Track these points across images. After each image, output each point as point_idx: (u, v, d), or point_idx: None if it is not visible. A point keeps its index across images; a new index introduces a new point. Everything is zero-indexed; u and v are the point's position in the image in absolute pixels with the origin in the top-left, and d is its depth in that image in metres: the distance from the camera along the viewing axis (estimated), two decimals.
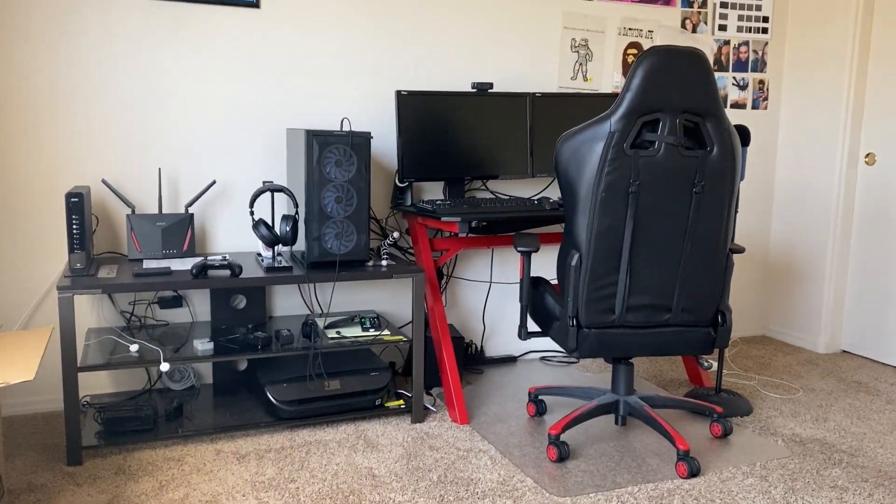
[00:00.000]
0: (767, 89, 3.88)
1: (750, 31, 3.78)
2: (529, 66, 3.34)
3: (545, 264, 3.52)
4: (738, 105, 3.81)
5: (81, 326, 2.79)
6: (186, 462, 2.36)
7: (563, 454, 2.41)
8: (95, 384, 2.84)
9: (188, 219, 2.76)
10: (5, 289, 2.70)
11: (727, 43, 3.74)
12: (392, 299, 3.24)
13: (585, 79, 3.46)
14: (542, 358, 3.56)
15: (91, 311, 2.80)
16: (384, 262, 2.75)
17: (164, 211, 2.84)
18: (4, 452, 2.40)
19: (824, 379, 3.33)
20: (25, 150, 2.67)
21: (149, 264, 2.61)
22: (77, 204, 2.38)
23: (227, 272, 2.51)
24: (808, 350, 3.79)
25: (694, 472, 2.32)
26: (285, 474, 2.29)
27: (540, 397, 2.83)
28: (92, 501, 2.10)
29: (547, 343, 3.60)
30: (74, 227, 2.38)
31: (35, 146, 2.68)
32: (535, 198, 3.05)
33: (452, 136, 3.01)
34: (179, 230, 2.75)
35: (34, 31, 2.62)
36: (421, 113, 2.95)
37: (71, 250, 2.40)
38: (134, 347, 2.49)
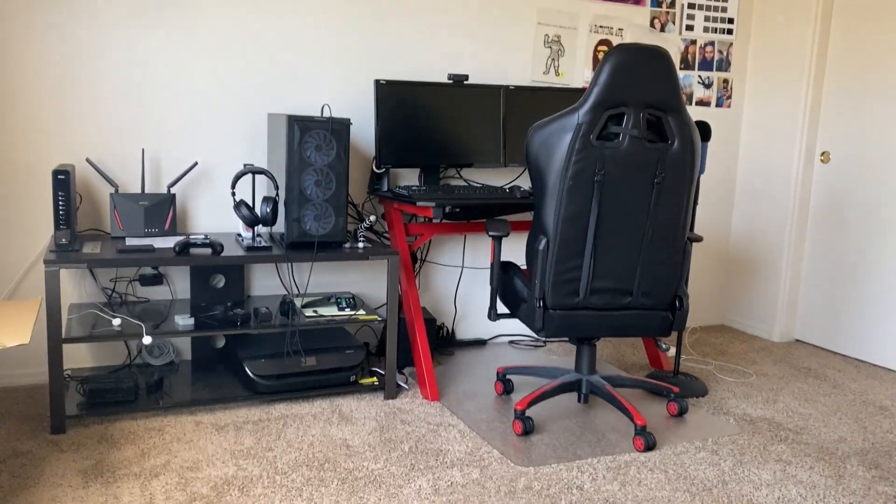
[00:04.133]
0: (731, 88, 4.04)
1: (716, 32, 3.94)
2: (504, 59, 3.46)
3: (515, 251, 3.65)
4: (702, 103, 3.97)
5: (64, 302, 2.86)
6: (167, 432, 2.45)
7: (527, 428, 2.55)
8: (77, 358, 2.92)
9: (170, 199, 2.84)
10: None
11: (694, 42, 3.90)
12: (367, 282, 3.35)
13: (557, 73, 3.59)
14: (511, 342, 3.69)
15: (73, 288, 2.87)
16: (360, 245, 2.85)
17: (146, 191, 2.92)
18: None
19: (777, 365, 3.51)
20: (11, 128, 2.73)
21: (131, 242, 2.69)
22: (63, 181, 2.45)
23: (209, 250, 2.60)
24: (763, 338, 3.98)
25: (650, 446, 2.47)
26: (263, 444, 2.39)
27: (507, 376, 2.96)
28: (76, 466, 2.19)
29: (516, 327, 3.74)
30: (60, 203, 2.46)
31: (21, 125, 2.74)
32: (507, 186, 3.17)
33: (428, 125, 3.12)
34: (162, 210, 2.83)
35: (21, 12, 2.68)
36: (399, 102, 3.06)
37: (57, 226, 2.47)
38: (116, 321, 2.57)
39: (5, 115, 2.71)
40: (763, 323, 4.02)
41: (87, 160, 2.78)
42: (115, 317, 2.64)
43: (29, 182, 2.78)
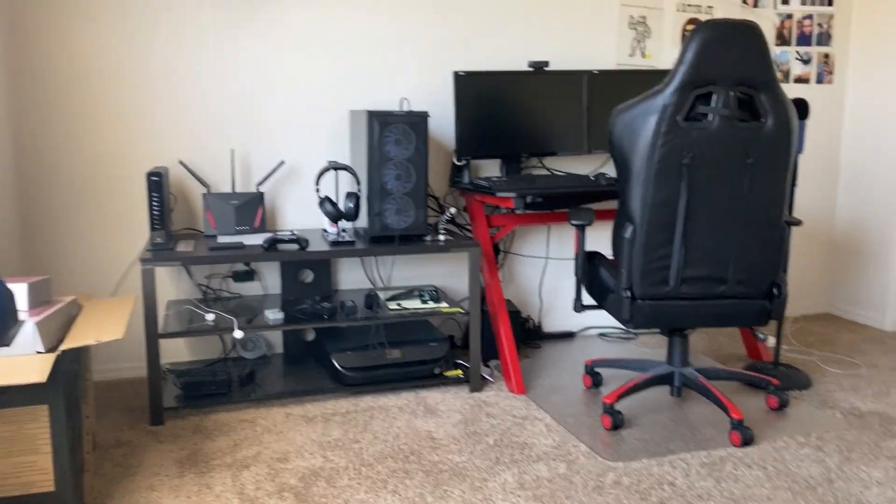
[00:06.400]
0: (832, 63, 3.80)
1: (814, 4, 3.71)
2: (586, 43, 3.38)
3: (601, 240, 3.56)
4: (801, 80, 3.75)
5: (161, 298, 2.99)
6: (258, 423, 2.52)
7: (617, 423, 2.47)
8: (174, 352, 3.04)
9: (259, 197, 2.91)
10: (93, 262, 2.91)
11: (790, 16, 3.68)
12: (450, 275, 3.34)
13: (643, 55, 3.47)
14: (600, 334, 3.60)
15: (170, 285, 3.00)
16: (442, 237, 2.84)
17: (236, 190, 3.00)
18: (95, 412, 2.60)
19: (889, 355, 3.28)
20: (109, 134, 2.86)
21: (223, 240, 2.77)
22: (157, 182, 2.55)
23: (296, 246, 2.65)
24: (873, 328, 3.73)
25: (747, 441, 2.35)
26: (350, 435, 2.42)
27: (596, 369, 2.88)
28: (173, 456, 2.28)
29: (606, 319, 3.65)
30: (154, 203, 2.56)
31: (117, 130, 2.87)
32: (592, 174, 3.09)
33: (509, 115, 3.08)
34: (251, 208, 2.91)
35: (115, 23, 2.81)
36: (478, 92, 3.02)
37: (152, 226, 2.58)
38: (210, 316, 2.66)
39: (102, 122, 2.85)
40: (873, 311, 3.76)
41: (180, 162, 2.89)
42: (209, 312, 2.73)
43: (127, 185, 2.91)
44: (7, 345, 1.19)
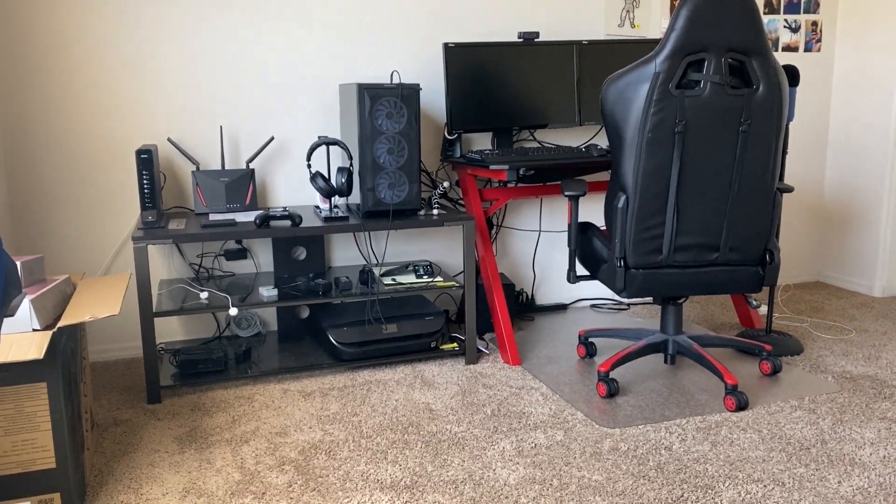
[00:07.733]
0: (821, 31, 3.80)
1: None
2: (576, 14, 3.36)
3: (593, 212, 3.57)
4: (790, 48, 3.76)
5: (154, 278, 2.97)
6: (256, 399, 2.52)
7: (612, 390, 2.49)
8: (169, 331, 3.03)
9: (249, 174, 2.90)
10: (84, 242, 2.89)
11: None
12: (444, 249, 3.34)
13: (633, 25, 3.46)
14: (593, 305, 3.62)
15: (162, 264, 2.98)
16: (435, 212, 2.84)
17: (226, 167, 2.98)
18: (93, 392, 2.59)
19: (879, 321, 3.32)
20: (97, 112, 2.83)
21: (214, 217, 2.76)
22: (147, 160, 2.53)
23: (288, 222, 2.64)
24: (863, 294, 3.77)
25: (742, 406, 2.38)
26: (348, 409, 2.43)
27: (590, 339, 2.90)
28: (172, 433, 2.28)
29: (598, 291, 3.67)
30: (145, 181, 2.54)
31: (105, 108, 2.84)
32: (583, 146, 3.09)
33: (500, 87, 3.06)
34: (242, 185, 2.89)
35: (104, 2, 2.77)
36: (469, 64, 3.01)
37: (143, 205, 2.56)
38: (204, 295, 2.65)
39: (90, 101, 2.82)
40: (862, 278, 3.80)
41: (169, 139, 2.87)
42: (202, 290, 2.72)
43: (116, 163, 2.88)
44: (11, 315, 1.18)
